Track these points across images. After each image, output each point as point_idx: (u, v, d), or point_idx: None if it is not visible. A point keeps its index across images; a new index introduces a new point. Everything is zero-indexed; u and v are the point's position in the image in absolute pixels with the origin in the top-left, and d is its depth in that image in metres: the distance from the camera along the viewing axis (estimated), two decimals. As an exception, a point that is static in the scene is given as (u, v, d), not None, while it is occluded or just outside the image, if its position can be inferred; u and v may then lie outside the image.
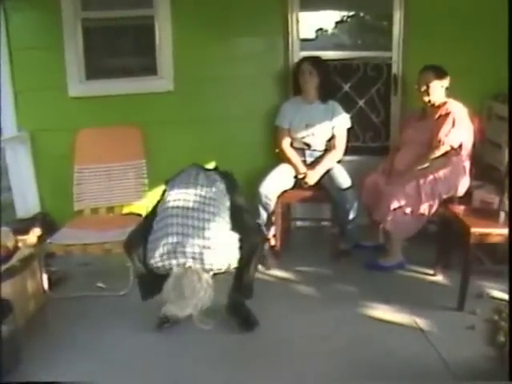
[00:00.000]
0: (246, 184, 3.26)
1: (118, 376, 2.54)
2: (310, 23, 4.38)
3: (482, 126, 3.78)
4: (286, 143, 3.87)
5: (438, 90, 3.51)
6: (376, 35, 4.66)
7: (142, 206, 3.68)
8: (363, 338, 2.78)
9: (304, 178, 3.72)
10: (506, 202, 3.00)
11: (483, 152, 3.83)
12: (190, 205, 2.72)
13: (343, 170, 3.75)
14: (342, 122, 3.82)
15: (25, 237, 3.31)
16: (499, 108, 3.83)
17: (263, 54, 4.11)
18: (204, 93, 4.11)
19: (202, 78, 4.07)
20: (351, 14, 4.62)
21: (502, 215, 2.98)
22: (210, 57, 4.05)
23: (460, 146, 3.44)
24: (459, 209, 3.26)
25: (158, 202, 2.91)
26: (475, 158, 3.63)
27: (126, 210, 3.80)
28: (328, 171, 3.73)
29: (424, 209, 3.42)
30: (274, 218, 3.75)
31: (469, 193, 3.57)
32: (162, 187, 3.03)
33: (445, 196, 3.46)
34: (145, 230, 2.79)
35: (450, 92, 3.55)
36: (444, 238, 3.46)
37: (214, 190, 2.82)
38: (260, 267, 3.40)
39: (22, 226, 3.50)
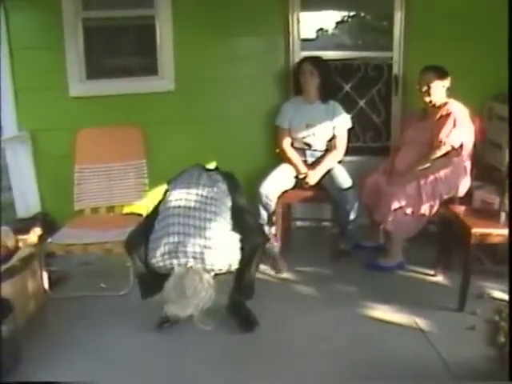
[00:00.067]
0: (246, 184, 3.26)
1: (118, 376, 2.54)
2: (310, 23, 4.38)
3: (483, 127, 3.77)
4: (286, 143, 3.86)
5: (438, 91, 3.51)
6: (377, 35, 4.66)
7: (143, 205, 3.68)
8: (363, 338, 2.78)
9: (305, 178, 3.72)
10: (507, 202, 3.00)
11: (484, 152, 3.83)
12: (192, 204, 2.72)
13: (344, 170, 3.75)
14: (342, 122, 3.82)
15: (25, 236, 3.31)
16: (500, 108, 3.83)
17: (264, 53, 4.10)
18: (205, 93, 4.11)
19: (203, 77, 4.07)
20: (352, 14, 4.62)
21: (503, 215, 2.97)
22: (210, 57, 4.05)
23: (461, 147, 3.44)
24: (460, 209, 3.26)
25: (160, 201, 2.92)
26: (476, 158, 3.63)
27: (126, 210, 3.80)
28: (329, 171, 3.73)
29: (425, 209, 3.41)
30: (274, 218, 3.75)
31: (469, 193, 3.57)
32: (163, 187, 3.03)
33: (445, 196, 3.46)
34: (146, 229, 2.79)
35: (451, 92, 3.55)
36: (444, 238, 3.46)
37: (215, 190, 2.82)
38: (272, 272, 3.42)
39: (23, 226, 3.49)
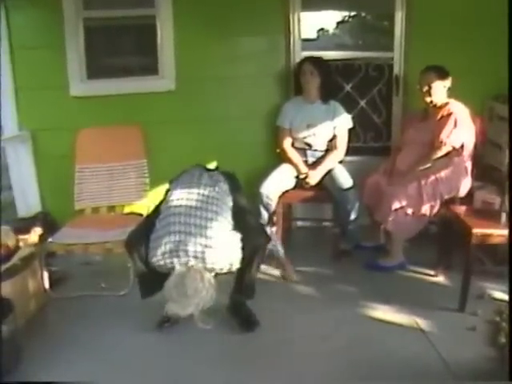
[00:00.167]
0: (246, 184, 3.25)
1: (118, 376, 2.53)
2: (311, 23, 4.38)
3: (484, 127, 3.77)
4: (287, 143, 3.86)
5: (439, 91, 3.50)
6: (377, 35, 4.66)
7: (143, 205, 3.68)
8: (364, 338, 2.78)
9: (305, 178, 3.72)
10: (508, 202, 3.00)
11: (484, 153, 3.83)
12: (193, 204, 2.72)
13: (344, 171, 3.75)
14: (343, 122, 3.82)
15: (26, 236, 3.31)
16: (500, 109, 3.82)
17: (265, 53, 4.10)
18: (205, 92, 4.11)
19: (204, 77, 4.07)
20: (353, 14, 4.62)
21: (504, 216, 2.97)
22: (211, 56, 4.05)
23: (462, 147, 3.44)
24: (460, 209, 3.26)
25: (161, 201, 2.92)
26: (477, 158, 3.63)
27: (126, 210, 3.80)
28: (329, 171, 3.73)
29: (425, 209, 3.41)
30: (275, 218, 3.75)
31: (470, 193, 3.57)
32: (163, 187, 3.03)
33: (446, 196, 3.46)
34: (146, 228, 2.79)
35: (452, 92, 3.54)
36: (445, 238, 3.45)
37: (217, 189, 2.82)
38: (283, 280, 3.40)
39: (23, 225, 3.49)
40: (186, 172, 3.01)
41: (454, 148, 3.43)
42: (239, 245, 2.70)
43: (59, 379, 2.43)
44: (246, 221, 2.82)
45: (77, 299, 3.27)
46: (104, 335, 2.87)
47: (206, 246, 2.60)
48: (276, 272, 3.52)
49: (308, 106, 3.83)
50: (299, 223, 4.37)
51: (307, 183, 3.72)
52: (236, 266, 2.71)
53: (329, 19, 4.55)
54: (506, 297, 2.88)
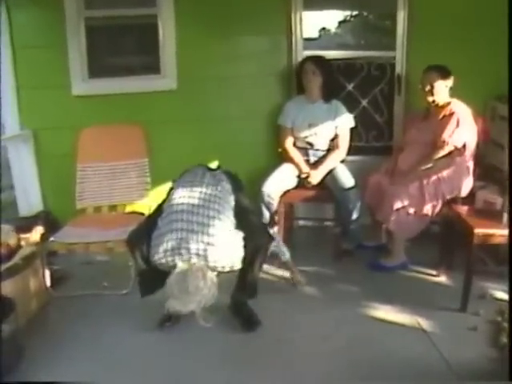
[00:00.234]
0: (248, 183, 3.25)
1: (119, 375, 2.54)
2: (313, 23, 4.37)
3: (486, 127, 3.76)
4: (288, 142, 3.86)
5: (442, 90, 3.50)
6: (379, 35, 4.65)
7: (145, 204, 3.68)
8: (365, 338, 2.78)
9: (307, 177, 3.72)
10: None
11: (486, 152, 3.82)
12: (196, 202, 2.73)
13: (346, 170, 3.74)
14: (345, 122, 3.81)
15: (27, 235, 3.31)
16: (502, 109, 3.81)
17: (266, 53, 4.10)
18: (207, 92, 4.11)
19: (205, 76, 4.06)
20: (355, 13, 4.61)
21: (505, 216, 2.96)
22: (213, 56, 4.05)
23: (464, 147, 3.43)
24: (462, 209, 3.25)
25: (164, 200, 2.92)
26: (478, 158, 3.62)
27: (128, 209, 3.80)
28: (331, 171, 3.72)
29: (427, 209, 3.41)
30: (276, 218, 3.74)
31: (472, 193, 3.56)
32: (165, 186, 3.03)
33: (448, 196, 3.45)
34: (148, 227, 2.79)
35: (454, 92, 3.54)
36: (447, 238, 3.45)
37: (219, 188, 2.83)
38: (292, 285, 3.37)
39: (25, 224, 3.49)
40: (189, 171, 3.02)
41: (455, 148, 3.42)
42: (241, 244, 2.69)
43: (60, 378, 2.43)
44: (248, 220, 2.83)
45: (78, 298, 3.27)
46: (105, 334, 2.87)
47: (208, 244, 2.59)
48: (278, 272, 3.50)
49: (310, 106, 3.83)
50: (301, 223, 4.37)
51: (309, 183, 3.71)
52: (238, 264, 2.71)
53: (331, 19, 4.54)
54: (507, 297, 2.88)
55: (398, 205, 3.37)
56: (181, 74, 4.04)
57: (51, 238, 3.27)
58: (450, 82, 3.50)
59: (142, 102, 4.04)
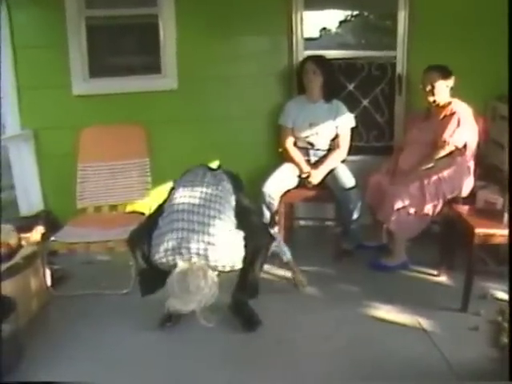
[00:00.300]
0: (249, 183, 3.25)
1: (119, 375, 2.54)
2: (314, 22, 4.37)
3: (487, 127, 3.76)
4: (289, 142, 3.86)
5: (442, 90, 3.50)
6: (380, 35, 4.65)
7: (145, 204, 3.68)
8: (366, 338, 2.78)
9: (308, 177, 3.72)
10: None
11: (487, 152, 3.82)
12: (196, 201, 2.73)
13: (347, 170, 3.74)
14: (345, 122, 3.81)
15: (28, 234, 3.31)
16: (503, 109, 3.81)
17: (267, 53, 4.10)
18: (208, 92, 4.11)
19: (206, 76, 4.07)
20: (355, 13, 4.61)
21: (506, 216, 2.96)
22: (213, 56, 4.05)
23: (464, 146, 3.43)
24: (463, 209, 3.25)
25: (165, 200, 2.92)
26: (479, 158, 3.62)
27: (129, 209, 3.80)
28: (332, 171, 3.72)
29: (428, 209, 3.41)
30: (277, 218, 3.74)
31: (473, 193, 3.56)
32: (166, 186, 3.03)
33: (449, 196, 3.45)
34: (149, 226, 2.79)
35: (454, 92, 3.54)
36: (448, 238, 3.45)
37: (220, 188, 2.83)
38: (295, 288, 3.36)
39: (25, 224, 3.49)
40: (190, 171, 3.02)
41: (456, 147, 3.42)
42: (242, 243, 2.69)
43: (60, 378, 2.43)
44: (249, 220, 2.82)
45: (79, 298, 3.27)
46: (105, 334, 2.87)
47: (208, 244, 2.59)
48: (279, 272, 3.50)
49: (310, 105, 3.83)
50: (301, 222, 4.37)
51: (309, 182, 3.71)
52: (238, 264, 2.71)
53: (331, 18, 4.53)
54: (508, 297, 2.87)
55: (398, 205, 3.37)
56: (181, 73, 4.04)
57: (52, 238, 3.27)
58: (450, 82, 3.50)
59: (143, 101, 4.04)
